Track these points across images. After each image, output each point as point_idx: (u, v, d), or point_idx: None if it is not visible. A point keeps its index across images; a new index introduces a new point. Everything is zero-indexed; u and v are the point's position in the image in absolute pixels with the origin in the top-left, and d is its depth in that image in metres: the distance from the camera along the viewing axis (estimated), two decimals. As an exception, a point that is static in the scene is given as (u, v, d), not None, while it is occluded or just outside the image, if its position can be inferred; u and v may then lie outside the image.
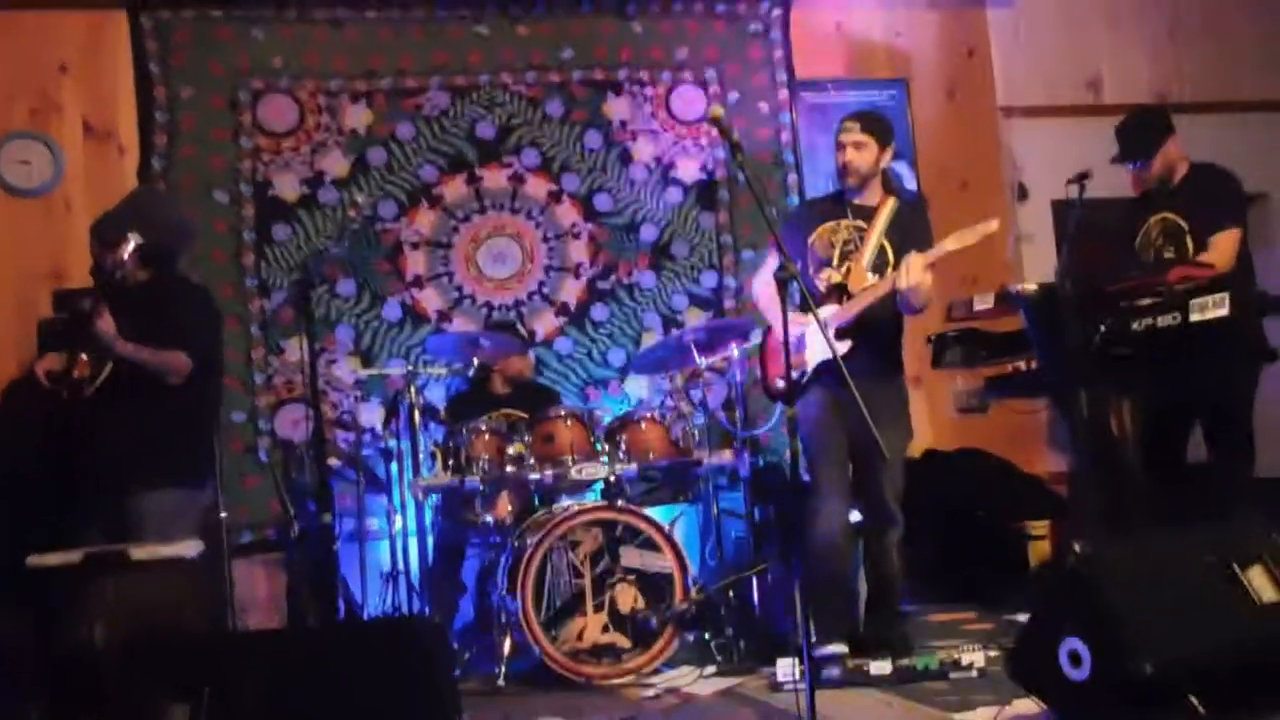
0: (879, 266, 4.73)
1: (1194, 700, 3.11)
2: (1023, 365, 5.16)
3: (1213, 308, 4.44)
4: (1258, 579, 3.44)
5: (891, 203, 4.81)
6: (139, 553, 3.90)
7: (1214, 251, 4.88)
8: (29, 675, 3.94)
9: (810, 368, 4.67)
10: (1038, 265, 6.87)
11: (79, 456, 4.56)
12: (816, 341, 4.60)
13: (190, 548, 4.01)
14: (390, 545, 5.82)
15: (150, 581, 3.91)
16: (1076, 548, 3.39)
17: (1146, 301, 4.61)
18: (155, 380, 4.44)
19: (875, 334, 4.69)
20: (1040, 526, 6.09)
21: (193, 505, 4.59)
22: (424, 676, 3.14)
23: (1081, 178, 4.88)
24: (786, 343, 3.68)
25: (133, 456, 4.39)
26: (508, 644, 4.96)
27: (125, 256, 4.35)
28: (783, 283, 3.59)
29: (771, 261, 4.88)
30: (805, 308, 4.55)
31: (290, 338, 6.47)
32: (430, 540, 5.54)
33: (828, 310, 4.62)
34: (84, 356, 4.42)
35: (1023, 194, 7.27)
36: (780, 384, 4.74)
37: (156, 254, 4.58)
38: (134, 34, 6.47)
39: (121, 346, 4.39)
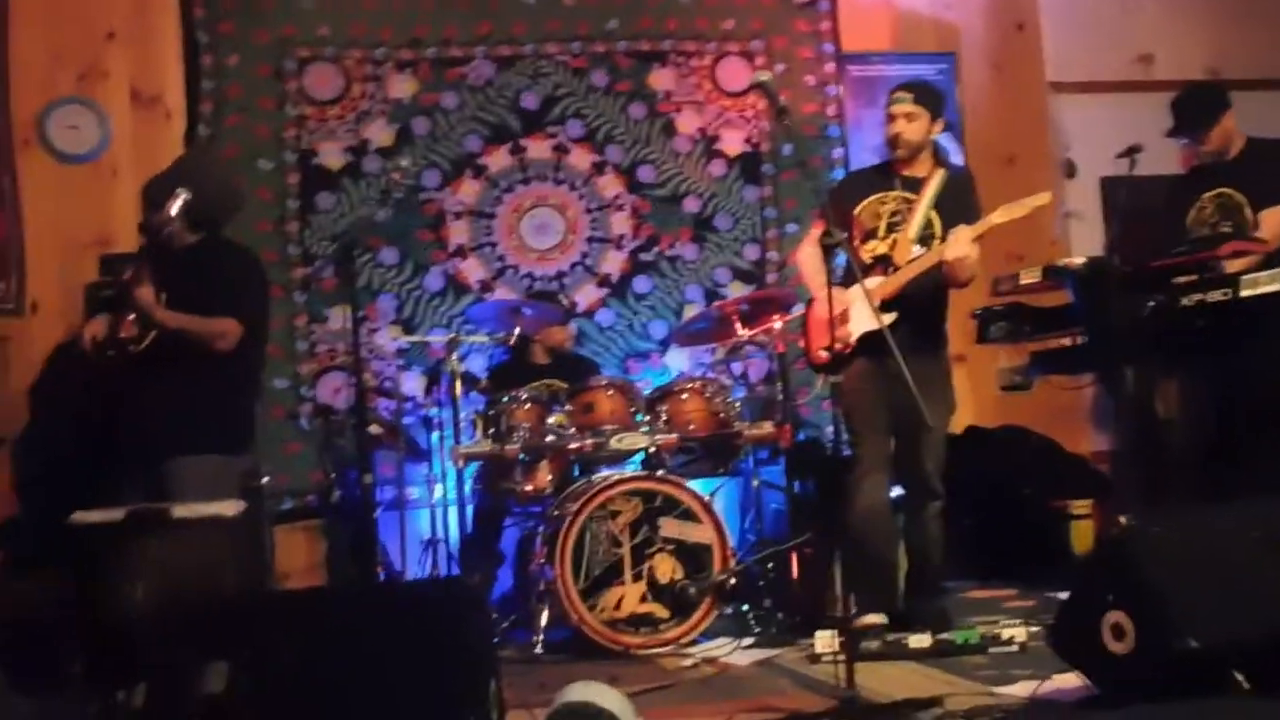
0: (925, 239, 4.68)
1: (1239, 676, 3.07)
2: (1068, 341, 5.11)
3: (1265, 283, 4.36)
4: (1306, 556, 3.38)
5: (940, 175, 4.76)
6: (180, 511, 3.90)
7: (1265, 227, 4.80)
8: (69, 632, 3.97)
9: (854, 339, 4.63)
10: (1085, 243, 6.79)
11: (122, 419, 4.57)
12: (861, 313, 4.56)
13: (231, 507, 4.02)
14: (430, 513, 5.85)
15: (191, 541, 3.91)
16: (1122, 520, 3.34)
17: (1196, 277, 4.55)
18: (200, 346, 4.43)
19: (920, 307, 4.65)
20: (1082, 506, 6.03)
21: (233, 472, 4.58)
22: (461, 640, 3.13)
23: (1132, 151, 4.83)
24: (831, 309, 3.66)
25: (175, 421, 4.38)
26: (545, 613, 4.97)
27: (173, 212, 4.34)
28: (828, 249, 3.56)
29: (815, 231, 4.85)
30: (850, 278, 4.53)
31: (333, 306, 6.50)
32: (469, 509, 5.56)
33: (872, 282, 4.57)
34: (130, 318, 4.43)
35: (1070, 171, 7.18)
36: (823, 355, 4.71)
37: (205, 215, 4.56)
38: (182, 1, 6.49)
39: (161, 315, 4.38)
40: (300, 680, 3.02)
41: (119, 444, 4.59)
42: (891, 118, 4.75)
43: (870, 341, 4.57)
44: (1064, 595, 4.57)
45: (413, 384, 6.44)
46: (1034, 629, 4.35)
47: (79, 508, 4.04)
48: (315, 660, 3.06)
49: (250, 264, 4.75)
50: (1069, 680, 3.53)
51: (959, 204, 4.69)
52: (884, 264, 4.69)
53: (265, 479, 5.53)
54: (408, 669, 3.04)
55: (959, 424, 5.94)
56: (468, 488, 5.50)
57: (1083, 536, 5.93)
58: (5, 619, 4.10)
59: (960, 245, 4.44)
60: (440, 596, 3.44)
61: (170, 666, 3.09)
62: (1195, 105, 5.08)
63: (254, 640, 3.10)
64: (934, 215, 4.70)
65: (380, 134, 6.65)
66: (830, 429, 6.63)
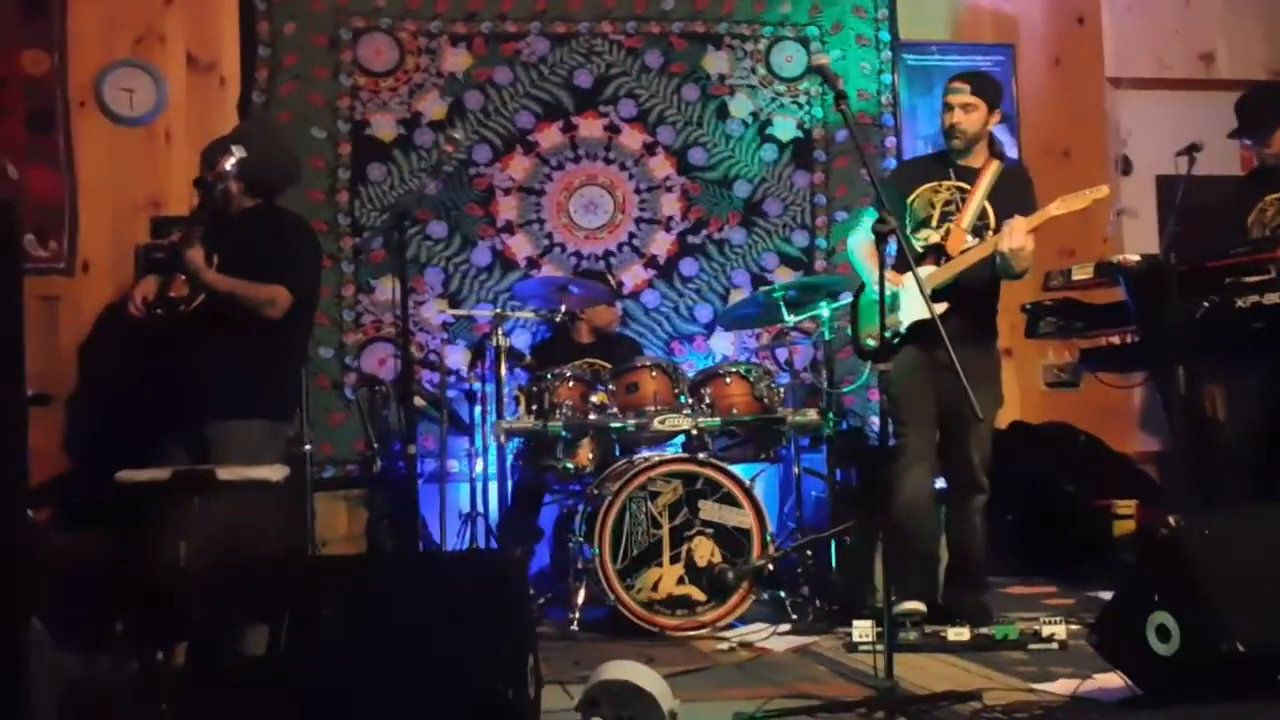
0: (979, 230, 4.64)
1: (1284, 682, 3.04)
2: (1118, 339, 5.07)
3: (1322, 286, 4.31)
4: (1356, 562, 3.34)
5: (995, 166, 4.72)
6: (225, 474, 3.93)
7: None
8: (115, 590, 4.01)
9: (904, 327, 4.60)
10: (1138, 242, 6.70)
11: (168, 381, 4.59)
12: (911, 301, 4.53)
13: (276, 472, 4.05)
14: (470, 487, 5.86)
15: (235, 503, 3.95)
16: (1171, 520, 3.30)
17: (1253, 278, 4.49)
18: (249, 311, 4.44)
19: (971, 298, 4.61)
20: (1126, 506, 5.97)
21: (277, 438, 4.60)
22: (501, 612, 3.13)
23: (1192, 149, 4.78)
24: (882, 297, 3.63)
25: (221, 385, 4.40)
26: (583, 591, 4.98)
27: (228, 167, 4.35)
28: (881, 236, 3.52)
29: (868, 219, 4.82)
30: (903, 266, 4.50)
31: (380, 277, 6.50)
32: (509, 484, 5.57)
33: (924, 270, 4.54)
34: (181, 277, 4.45)
35: (1126, 168, 7.10)
36: (871, 343, 4.69)
37: (260, 180, 4.58)
38: (240, -33, 6.50)
39: (210, 277, 4.40)
40: (340, 646, 3.03)
41: (165, 406, 4.60)
42: (948, 107, 4.71)
43: (920, 331, 4.54)
44: (1105, 594, 4.55)
45: (457, 358, 6.45)
46: (1074, 627, 4.33)
47: (125, 467, 4.08)
48: (356, 626, 3.07)
49: (304, 232, 4.76)
50: (1110, 680, 3.49)
51: (1014, 196, 4.65)
52: (937, 253, 4.65)
53: (308, 446, 5.58)
54: (447, 639, 3.04)
55: (1004, 419, 5.90)
56: (509, 462, 5.52)
57: (1125, 536, 5.87)
58: (52, 576, 4.14)
59: (1016, 236, 4.40)
60: (481, 568, 3.44)
61: (213, 627, 3.11)
62: (1260, 106, 5.03)
63: (296, 604, 3.11)
64: (988, 206, 4.66)
65: (433, 107, 6.64)
66: (874, 419, 6.60)
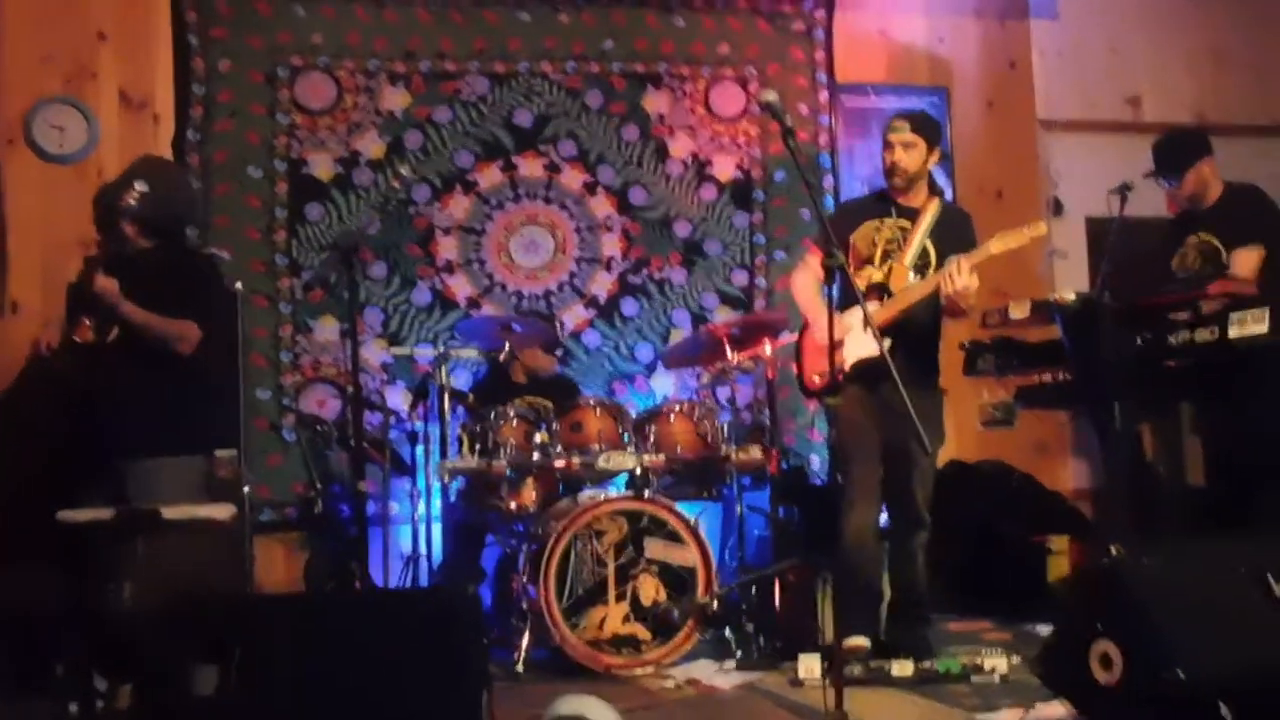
0: (921, 268, 4.71)
1: (1224, 709, 3.08)
2: (1053, 376, 5.14)
3: (1252, 323, 4.41)
4: (1292, 591, 3.42)
5: (936, 204, 4.81)
6: (171, 512, 3.90)
7: (1237, 267, 4.91)
8: (57, 631, 3.94)
9: (848, 365, 4.65)
10: (1069, 281, 6.82)
11: (86, 420, 4.53)
12: (855, 340, 4.58)
13: (222, 511, 4.01)
14: (412, 529, 5.82)
15: (179, 543, 3.91)
16: (1113, 550, 3.37)
17: (1185, 315, 4.59)
18: (161, 345, 4.41)
19: (914, 336, 4.68)
20: (1060, 542, 6.05)
21: (197, 473, 4.58)
22: (454, 649, 3.13)
23: (1124, 189, 4.88)
24: (831, 328, 3.66)
25: (139, 422, 4.38)
26: (527, 632, 4.95)
27: (133, 200, 4.34)
28: (829, 271, 3.57)
29: (811, 258, 4.88)
30: (846, 304, 4.55)
31: (318, 317, 6.47)
32: (451, 524, 5.55)
33: (869, 308, 4.59)
34: (86, 321, 4.41)
35: (1058, 209, 7.25)
36: (817, 380, 4.73)
37: (161, 219, 4.57)
38: (174, 4, 6.45)
39: (127, 308, 4.37)
40: (291, 685, 3.00)
41: (85, 443, 4.53)
42: (889, 145, 4.79)
43: (864, 369, 4.60)
44: (1041, 628, 4.61)
45: (397, 399, 6.41)
46: (1015, 660, 4.38)
47: (54, 508, 4.03)
48: (306, 665, 3.04)
49: (207, 269, 4.78)
50: (1052, 710, 3.57)
51: (955, 234, 4.73)
52: (880, 291, 4.72)
53: (247, 489, 5.51)
54: (400, 676, 3.03)
55: (941, 457, 5.95)
56: (450, 502, 5.49)
57: (1058, 572, 5.95)
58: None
59: (962, 276, 4.48)
60: (434, 605, 3.42)
61: (160, 666, 3.06)
62: (1173, 149, 5.20)
63: (245, 641, 3.08)
64: (930, 244, 4.74)
65: (371, 146, 6.63)
66: (814, 458, 6.65)
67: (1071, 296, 4.80)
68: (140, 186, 4.36)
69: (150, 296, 4.41)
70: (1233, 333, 4.45)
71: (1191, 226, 5.17)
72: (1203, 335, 4.53)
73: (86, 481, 4.42)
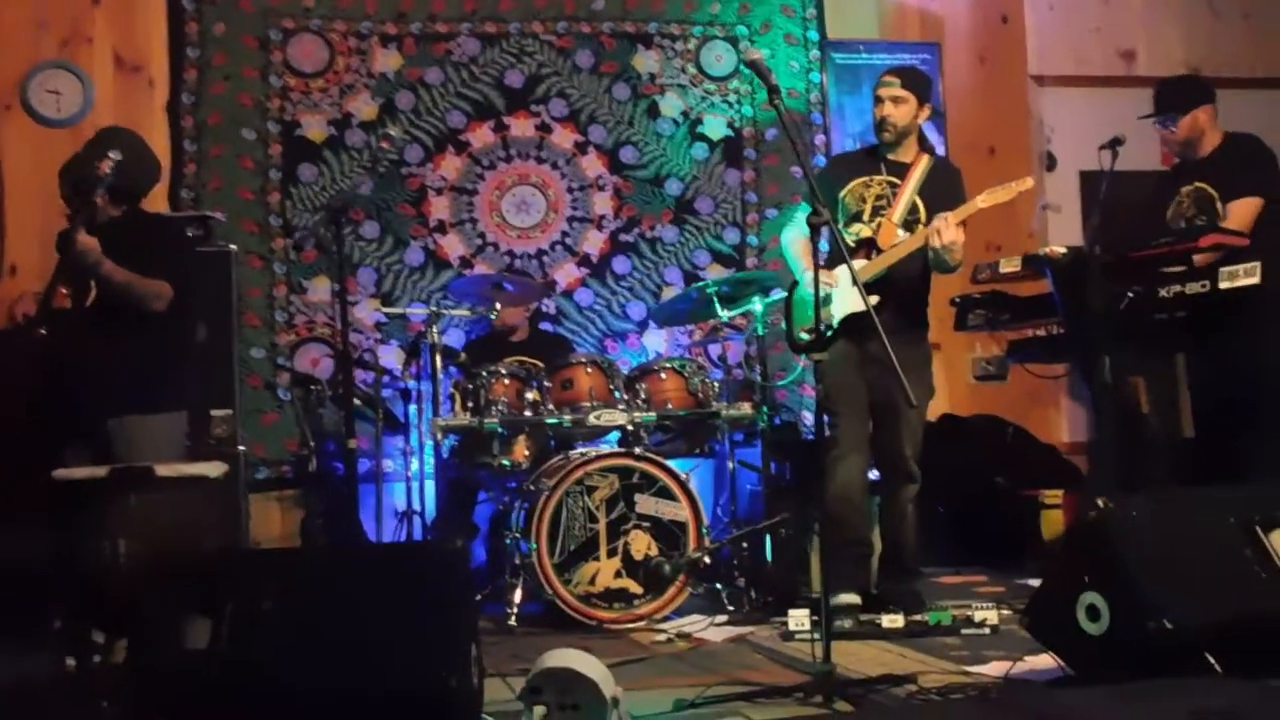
0: (910, 224, 4.72)
1: (1210, 658, 3.11)
2: (1044, 330, 5.16)
3: (1243, 276, 4.42)
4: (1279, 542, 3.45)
5: (926, 160, 4.80)
6: (164, 470, 3.92)
7: (1233, 218, 4.89)
8: (51, 589, 3.98)
9: (836, 321, 4.66)
10: (1062, 235, 6.83)
11: (68, 380, 4.56)
12: (844, 295, 4.60)
13: (214, 469, 4.04)
14: (405, 486, 5.85)
15: (173, 500, 3.94)
16: (1100, 503, 3.38)
17: (1175, 268, 4.60)
18: (139, 305, 4.47)
19: (903, 291, 4.70)
20: (1054, 495, 6.08)
21: (178, 430, 4.62)
22: (443, 599, 3.15)
23: (1115, 143, 4.87)
24: (817, 287, 3.67)
25: (122, 382, 4.42)
26: (520, 586, 4.99)
27: (108, 170, 4.36)
28: (815, 228, 3.58)
29: (801, 215, 4.88)
30: (835, 260, 4.57)
31: (312, 277, 6.48)
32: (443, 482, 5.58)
33: (857, 264, 4.60)
34: (61, 289, 4.44)
35: (1051, 163, 7.25)
36: (805, 336, 4.75)
37: (130, 185, 4.60)
38: (167, -32, 6.44)
39: (108, 266, 4.40)
40: (284, 638, 3.03)
41: (67, 403, 4.55)
42: (879, 100, 4.79)
43: (852, 324, 4.61)
44: (1033, 582, 4.64)
45: (390, 357, 6.43)
46: (1005, 613, 4.42)
47: (41, 468, 4.06)
48: (299, 618, 3.07)
49: (174, 231, 4.86)
50: (1042, 661, 3.58)
51: (944, 190, 4.74)
52: (869, 247, 4.73)
53: (242, 447, 5.54)
54: (390, 629, 3.05)
55: (934, 411, 5.99)
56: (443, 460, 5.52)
57: (1053, 525, 5.99)
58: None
59: (948, 231, 4.48)
60: (423, 559, 3.45)
61: (153, 622, 3.09)
62: (1174, 91, 5.20)
63: (237, 596, 3.10)
64: (919, 200, 4.74)
65: (364, 107, 6.61)
66: (806, 414, 6.68)
67: (1061, 250, 4.81)
68: (114, 155, 4.38)
69: (123, 259, 4.44)
70: (1223, 284, 4.46)
71: (1187, 176, 5.15)
72: (1193, 288, 4.54)
73: (74, 441, 4.44)
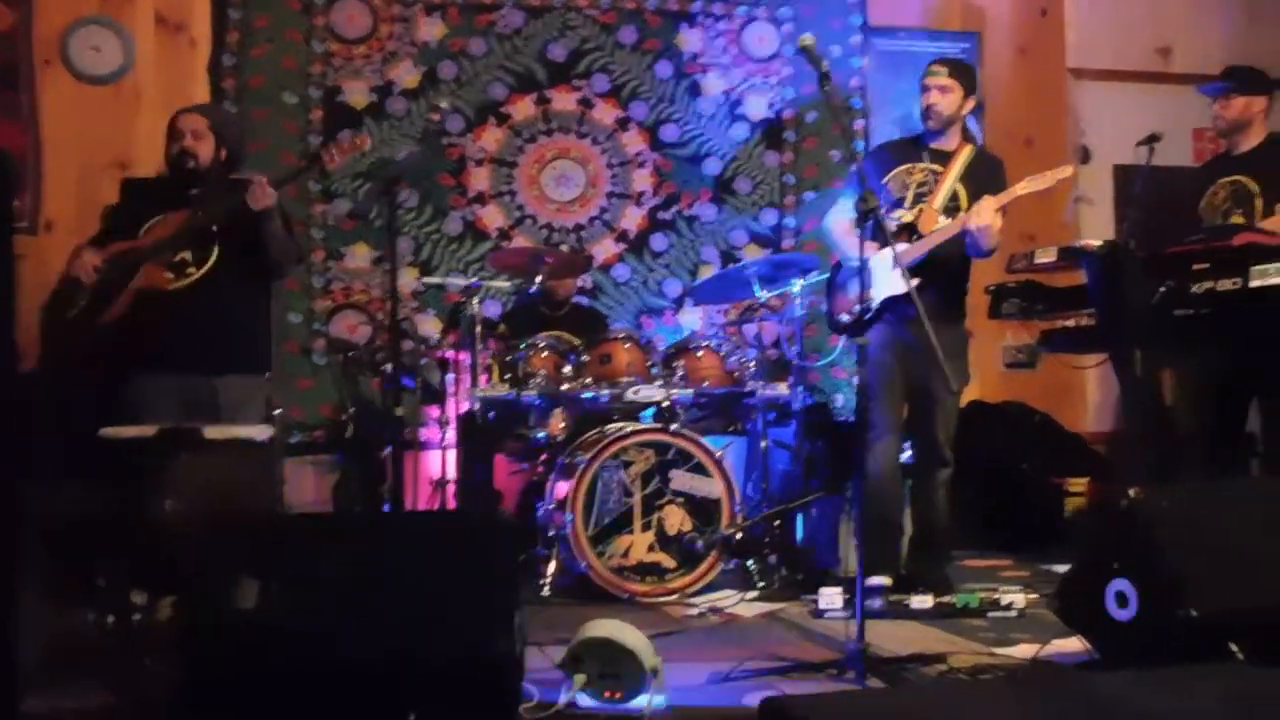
0: (951, 211, 4.77)
1: (1235, 648, 3.18)
2: (1076, 321, 5.20)
3: (1275, 275, 4.45)
4: (1305, 533, 3.52)
5: (969, 149, 4.86)
6: (212, 432, 4.00)
7: (1277, 218, 4.92)
8: (98, 545, 4.06)
9: (876, 304, 4.72)
10: (1095, 228, 6.90)
11: (163, 339, 4.61)
12: (884, 278, 4.65)
13: (261, 431, 4.11)
14: (441, 455, 5.92)
15: (218, 461, 4.02)
16: (1132, 492, 3.45)
17: (1207, 264, 4.64)
18: (286, 263, 4.68)
19: (942, 275, 4.75)
20: (1079, 484, 6.16)
21: (263, 393, 4.73)
22: (488, 566, 3.20)
23: (1151, 140, 4.91)
24: (863, 271, 3.74)
25: (220, 343, 4.53)
26: (554, 558, 5.08)
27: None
28: (863, 214, 3.64)
29: (844, 201, 4.94)
30: (881, 242, 4.62)
31: (351, 244, 6.55)
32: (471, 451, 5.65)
33: (898, 248, 4.65)
34: (186, 255, 4.54)
35: (1085, 156, 7.28)
36: (845, 318, 4.81)
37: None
38: (211, -72, 6.46)
39: (275, 223, 4.59)
40: (331, 601, 3.08)
41: (156, 361, 4.62)
42: (926, 89, 4.84)
43: (890, 307, 4.67)
44: (1058, 567, 4.71)
45: (427, 326, 6.50)
46: (1032, 596, 4.49)
47: (113, 421, 4.14)
48: (346, 582, 3.13)
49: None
50: (1068, 644, 3.66)
51: (986, 178, 4.78)
52: (909, 232, 4.79)
53: (278, 410, 5.62)
54: (436, 593, 3.11)
55: (964, 398, 6.03)
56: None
57: (1077, 512, 6.05)
58: (34, 530, 4.19)
59: (985, 214, 4.54)
60: (469, 527, 3.51)
61: (202, 581, 3.15)
62: (1239, 71, 5.22)
63: (288, 560, 3.17)
64: (960, 188, 4.80)
65: (406, 76, 6.67)
66: (839, 395, 6.74)
67: (1098, 243, 4.84)
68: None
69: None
70: (1254, 283, 4.50)
71: (1225, 169, 5.18)
72: (1225, 285, 4.58)
73: (155, 398, 4.53)
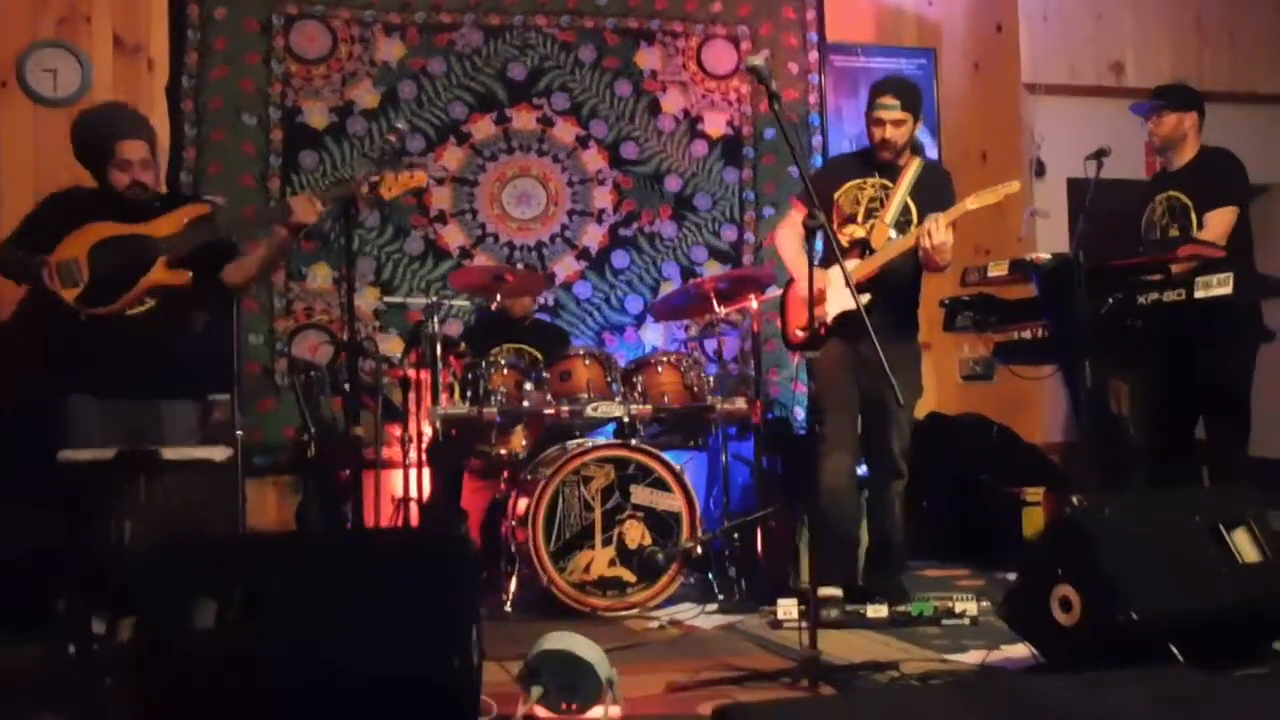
0: (902, 225, 4.85)
1: (1174, 649, 3.26)
2: (1030, 333, 5.29)
3: (1217, 286, 4.56)
4: (1241, 541, 3.64)
5: (917, 163, 4.93)
6: (170, 453, 4.01)
7: (1209, 228, 5.06)
8: (58, 570, 4.05)
9: (830, 319, 4.79)
10: (1050, 241, 6.97)
11: (111, 362, 4.59)
12: (837, 294, 4.72)
13: (219, 453, 4.12)
14: (403, 473, 5.95)
15: (177, 483, 4.02)
16: (1074, 500, 3.53)
17: (1153, 277, 4.74)
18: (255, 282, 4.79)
19: (894, 291, 4.82)
20: (1035, 493, 6.22)
21: (209, 417, 4.73)
22: (445, 583, 3.23)
23: (1100, 154, 5.00)
24: (811, 288, 3.80)
25: (170, 365, 4.52)
26: (515, 574, 5.11)
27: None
28: (810, 231, 3.71)
29: (795, 214, 5.01)
30: (829, 260, 4.70)
31: (312, 264, 6.57)
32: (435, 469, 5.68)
33: (850, 264, 4.72)
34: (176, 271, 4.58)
35: (1040, 170, 7.39)
36: (800, 334, 4.87)
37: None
38: (168, -51, 6.47)
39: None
40: (290, 619, 3.10)
41: (102, 386, 4.62)
42: (880, 123, 4.88)
43: (844, 323, 4.74)
44: (1013, 576, 4.78)
45: (389, 346, 6.51)
46: (985, 605, 4.56)
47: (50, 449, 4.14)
48: (305, 601, 3.15)
49: None
50: (1017, 651, 3.74)
51: (936, 192, 4.86)
52: (861, 248, 4.86)
53: (240, 432, 5.62)
54: (395, 612, 3.13)
55: (922, 410, 6.11)
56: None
57: (1034, 522, 6.13)
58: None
59: (938, 232, 4.61)
60: (427, 545, 3.54)
61: (160, 604, 3.16)
62: (1170, 90, 5.40)
63: (245, 579, 3.18)
64: (911, 202, 4.87)
65: (366, 96, 6.69)
66: (799, 410, 6.81)
67: (1047, 257, 4.94)
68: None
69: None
70: (1198, 294, 4.60)
71: (1164, 185, 5.33)
72: (1170, 296, 4.68)
73: (90, 423, 4.51)
